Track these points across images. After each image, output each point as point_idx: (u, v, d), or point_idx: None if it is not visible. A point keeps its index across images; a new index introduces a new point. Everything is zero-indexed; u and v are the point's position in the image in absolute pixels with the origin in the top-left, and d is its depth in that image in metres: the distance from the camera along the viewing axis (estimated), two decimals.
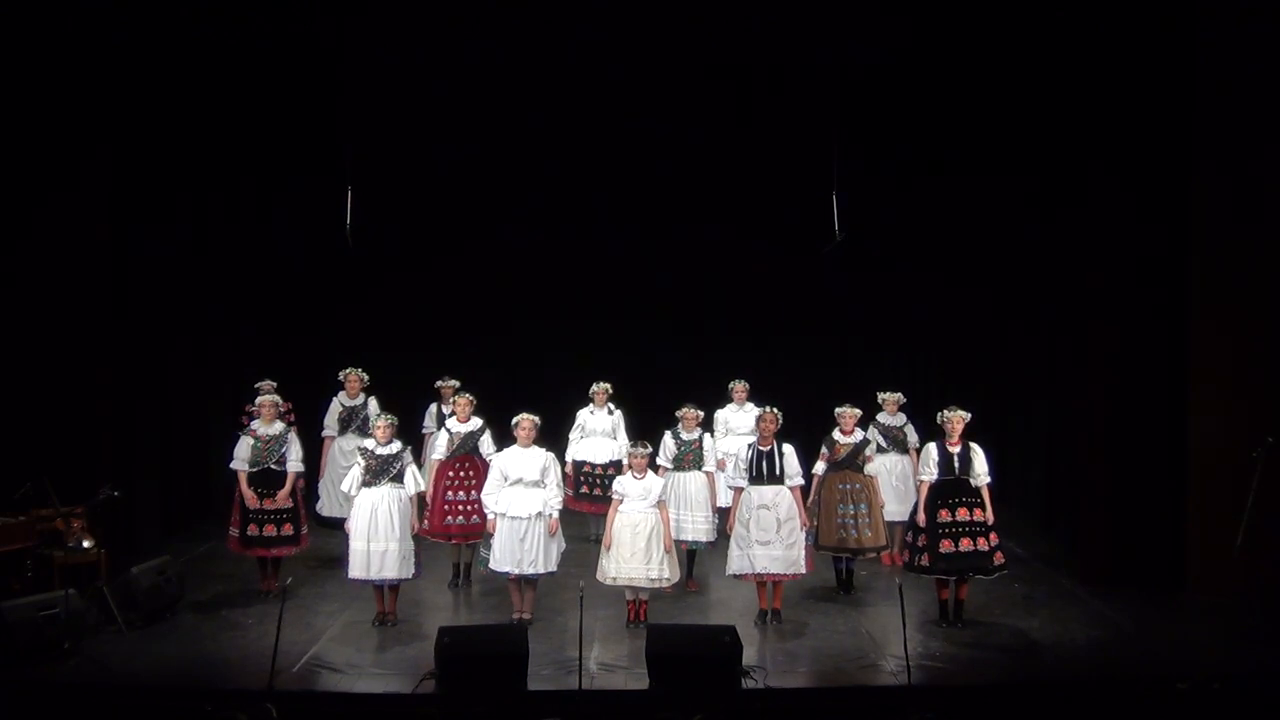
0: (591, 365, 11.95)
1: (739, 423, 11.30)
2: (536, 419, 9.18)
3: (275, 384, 10.65)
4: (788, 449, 9.25)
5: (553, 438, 10.14)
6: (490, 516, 9.08)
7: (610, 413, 11.39)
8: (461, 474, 10.02)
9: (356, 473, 9.11)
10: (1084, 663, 8.41)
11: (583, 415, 11.41)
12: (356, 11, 10.96)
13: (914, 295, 14.10)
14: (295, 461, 9.86)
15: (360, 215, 11.36)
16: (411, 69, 11.88)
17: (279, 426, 9.93)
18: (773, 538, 9.05)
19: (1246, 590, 9.12)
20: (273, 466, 9.77)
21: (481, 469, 9.81)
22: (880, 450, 10.64)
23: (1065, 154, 11.15)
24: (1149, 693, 7.52)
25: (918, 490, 9.41)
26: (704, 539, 10.12)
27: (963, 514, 9.06)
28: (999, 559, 9.14)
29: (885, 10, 10.99)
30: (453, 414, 10.35)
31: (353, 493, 9.11)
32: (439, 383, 11.74)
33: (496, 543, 8.98)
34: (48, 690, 7.83)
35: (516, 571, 8.96)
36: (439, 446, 10.19)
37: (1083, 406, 10.64)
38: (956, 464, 9.13)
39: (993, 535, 9.12)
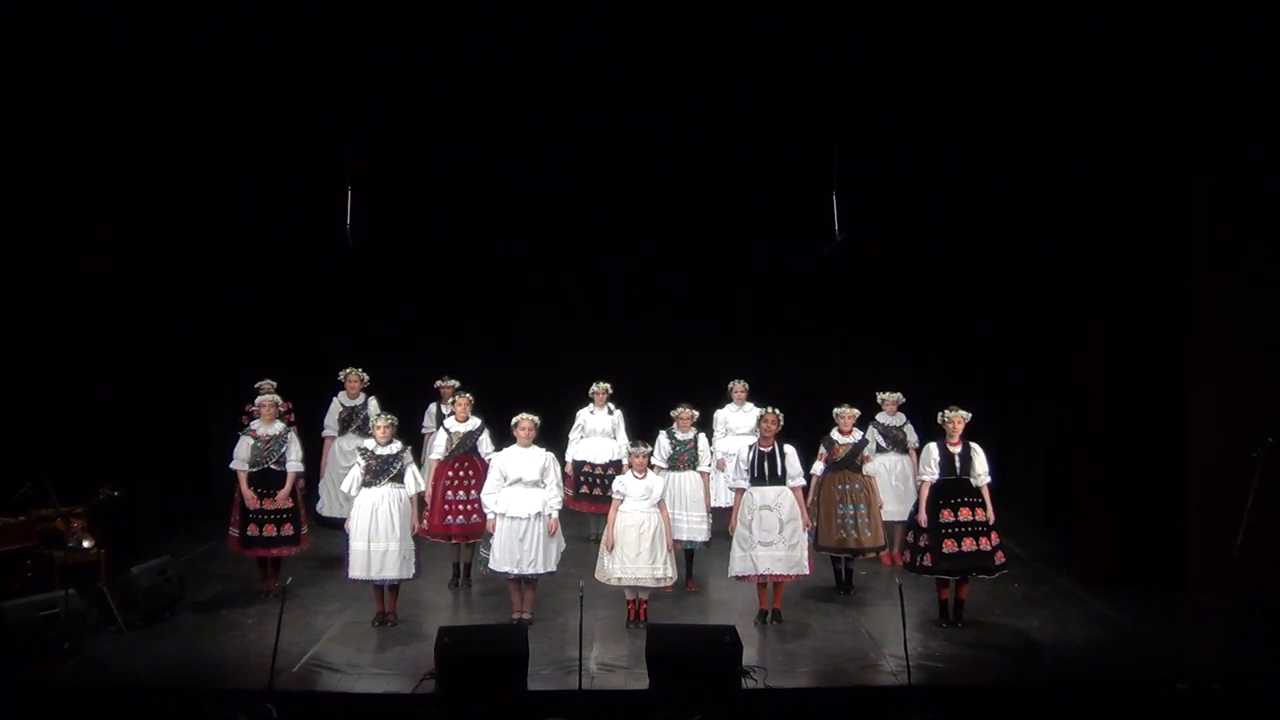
0: (591, 365, 11.94)
1: (738, 423, 11.32)
2: (536, 419, 9.18)
3: (275, 384, 10.68)
4: (789, 449, 9.25)
5: (553, 438, 10.15)
6: (490, 516, 9.08)
7: (610, 413, 11.38)
8: (461, 474, 10.02)
9: (356, 473, 9.10)
10: (1084, 663, 8.40)
11: (583, 415, 11.41)
12: (356, 11, 10.97)
13: (914, 295, 14.11)
14: (295, 461, 9.86)
15: (360, 215, 11.36)
16: (411, 69, 11.88)
17: (279, 426, 9.93)
18: (775, 538, 9.04)
19: (1246, 590, 9.14)
20: (273, 466, 9.77)
21: (481, 468, 9.81)
22: (880, 450, 10.66)
23: (1065, 153, 11.14)
24: (1149, 693, 7.52)
25: (918, 490, 9.41)
26: (700, 538, 10.12)
27: (964, 514, 9.06)
28: (1000, 558, 9.16)
29: (885, 10, 10.99)
30: (452, 414, 10.36)
31: (353, 493, 9.10)
32: (439, 383, 11.75)
33: (496, 543, 8.98)
34: (48, 690, 7.82)
35: (516, 571, 8.96)
36: (438, 446, 10.20)
37: (1082, 406, 10.64)
38: (957, 464, 9.13)
39: (994, 535, 9.14)
